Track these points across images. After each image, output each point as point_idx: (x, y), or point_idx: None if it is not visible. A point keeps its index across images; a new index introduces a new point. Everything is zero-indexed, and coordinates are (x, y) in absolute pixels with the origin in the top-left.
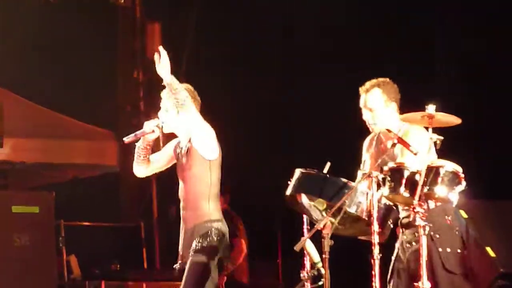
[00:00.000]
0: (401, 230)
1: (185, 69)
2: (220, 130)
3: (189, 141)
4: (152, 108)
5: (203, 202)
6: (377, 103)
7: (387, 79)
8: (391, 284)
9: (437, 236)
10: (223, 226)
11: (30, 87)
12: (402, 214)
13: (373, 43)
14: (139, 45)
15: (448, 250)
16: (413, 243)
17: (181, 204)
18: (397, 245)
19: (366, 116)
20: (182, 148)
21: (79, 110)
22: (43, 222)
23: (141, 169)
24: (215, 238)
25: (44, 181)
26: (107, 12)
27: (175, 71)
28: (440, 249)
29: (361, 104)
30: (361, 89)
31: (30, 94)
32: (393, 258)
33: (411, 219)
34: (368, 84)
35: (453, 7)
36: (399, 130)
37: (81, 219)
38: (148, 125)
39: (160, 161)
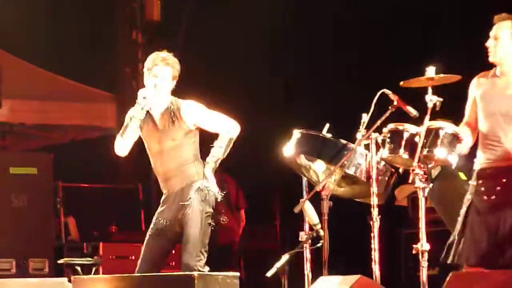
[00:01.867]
0: (471, 182)
1: (185, 30)
2: (212, 94)
3: (171, 112)
4: None
5: (188, 166)
6: (504, 33)
7: None
8: (462, 240)
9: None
10: (208, 184)
11: (29, 49)
12: (480, 164)
13: None
14: (138, 6)
15: None
16: (485, 197)
17: (162, 175)
18: (469, 196)
19: (489, 43)
20: (158, 120)
21: (78, 72)
22: (41, 183)
23: (128, 147)
24: (206, 193)
25: (43, 142)
26: None
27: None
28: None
29: (491, 32)
30: (496, 18)
31: (29, 55)
32: (463, 212)
33: (486, 172)
34: (504, 14)
35: None
36: None
37: (79, 181)
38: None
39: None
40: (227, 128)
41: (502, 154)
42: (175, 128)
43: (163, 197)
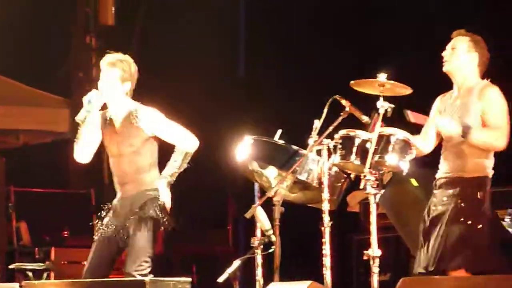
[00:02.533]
0: (434, 191)
1: (139, 35)
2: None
3: (130, 117)
4: None
5: (144, 174)
6: (462, 45)
7: (479, 37)
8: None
9: (463, 205)
10: (159, 194)
11: None
12: (440, 174)
13: None
14: (92, 11)
15: (470, 222)
16: (439, 207)
17: (118, 178)
18: (428, 205)
19: (445, 52)
20: (118, 125)
21: (31, 76)
22: None
23: (86, 153)
24: (158, 204)
25: None
26: None
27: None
28: (461, 219)
29: (449, 44)
30: (455, 33)
31: None
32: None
33: (443, 181)
34: (463, 30)
35: None
36: (477, 84)
37: (31, 185)
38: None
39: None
40: (184, 142)
41: (454, 166)
42: (133, 134)
43: (115, 201)
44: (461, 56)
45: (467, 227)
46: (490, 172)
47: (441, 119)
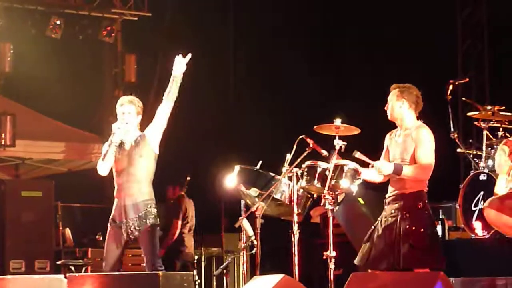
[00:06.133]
0: (385, 207)
1: (155, 88)
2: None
3: (142, 143)
4: None
5: (145, 185)
6: (393, 99)
7: (407, 84)
8: (364, 245)
9: (408, 215)
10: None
11: (39, 101)
12: (388, 194)
13: None
14: (120, 71)
15: (414, 228)
16: (389, 218)
17: (125, 188)
18: (380, 217)
19: (386, 106)
20: (126, 144)
21: (75, 119)
22: (45, 203)
23: (107, 169)
24: (155, 211)
25: (46, 172)
26: (96, 46)
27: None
28: (407, 226)
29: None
30: (391, 87)
31: (39, 106)
32: (373, 226)
33: (390, 199)
34: (394, 85)
35: None
36: (412, 126)
37: (74, 201)
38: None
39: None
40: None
41: (397, 186)
42: (142, 155)
43: (116, 206)
44: (394, 106)
45: (412, 231)
46: (425, 188)
47: (377, 163)
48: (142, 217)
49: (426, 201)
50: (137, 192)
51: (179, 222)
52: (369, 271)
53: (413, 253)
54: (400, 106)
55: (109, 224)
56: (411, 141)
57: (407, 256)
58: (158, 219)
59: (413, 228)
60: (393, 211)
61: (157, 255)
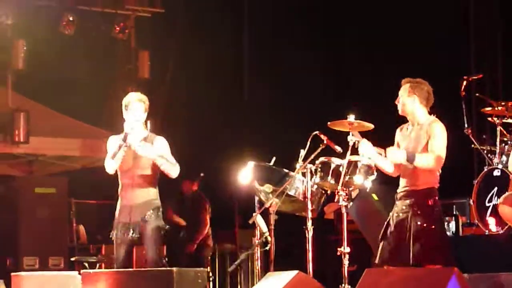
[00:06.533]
0: (396, 202)
1: (169, 83)
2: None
3: (147, 140)
4: None
5: (150, 188)
6: (404, 93)
7: (418, 80)
8: (382, 243)
9: (419, 212)
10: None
11: (52, 98)
12: (399, 189)
13: None
14: (133, 67)
15: (425, 225)
16: (400, 214)
17: (127, 187)
18: (391, 213)
19: (397, 101)
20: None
21: (88, 115)
22: (59, 200)
23: (116, 167)
24: (160, 211)
25: (60, 169)
26: (109, 43)
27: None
28: (418, 223)
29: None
30: (401, 82)
31: (52, 103)
32: (385, 223)
33: (401, 194)
34: (405, 79)
35: None
36: (426, 120)
37: (87, 198)
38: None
39: None
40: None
41: (409, 182)
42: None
43: (121, 206)
44: (405, 101)
45: (423, 229)
46: (436, 185)
47: (390, 151)
48: (147, 217)
49: (437, 197)
50: (142, 192)
51: (208, 217)
52: (385, 267)
53: (424, 251)
54: (412, 102)
55: (114, 225)
56: (424, 135)
57: (418, 254)
58: (162, 219)
59: (424, 225)
60: (404, 207)
61: (161, 255)
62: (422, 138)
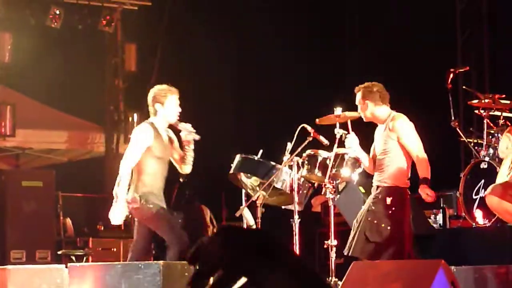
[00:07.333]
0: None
1: (155, 78)
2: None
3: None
4: (128, 108)
5: None
6: (357, 99)
7: (366, 84)
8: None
9: (373, 207)
10: None
11: (39, 91)
12: (374, 183)
13: None
14: (120, 60)
15: (375, 222)
16: (364, 207)
17: (162, 180)
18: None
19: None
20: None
21: (75, 108)
22: (45, 193)
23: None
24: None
25: (47, 162)
26: (96, 36)
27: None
28: (368, 218)
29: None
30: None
31: (37, 95)
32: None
33: (372, 188)
34: (358, 87)
35: None
36: (388, 117)
37: (74, 191)
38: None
39: None
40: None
41: (378, 177)
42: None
43: (157, 195)
44: (361, 110)
45: (373, 225)
46: (403, 184)
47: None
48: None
49: (399, 198)
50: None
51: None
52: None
53: (367, 245)
54: (367, 109)
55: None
56: (387, 132)
57: (359, 246)
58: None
59: (374, 222)
60: (368, 200)
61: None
62: (384, 135)
